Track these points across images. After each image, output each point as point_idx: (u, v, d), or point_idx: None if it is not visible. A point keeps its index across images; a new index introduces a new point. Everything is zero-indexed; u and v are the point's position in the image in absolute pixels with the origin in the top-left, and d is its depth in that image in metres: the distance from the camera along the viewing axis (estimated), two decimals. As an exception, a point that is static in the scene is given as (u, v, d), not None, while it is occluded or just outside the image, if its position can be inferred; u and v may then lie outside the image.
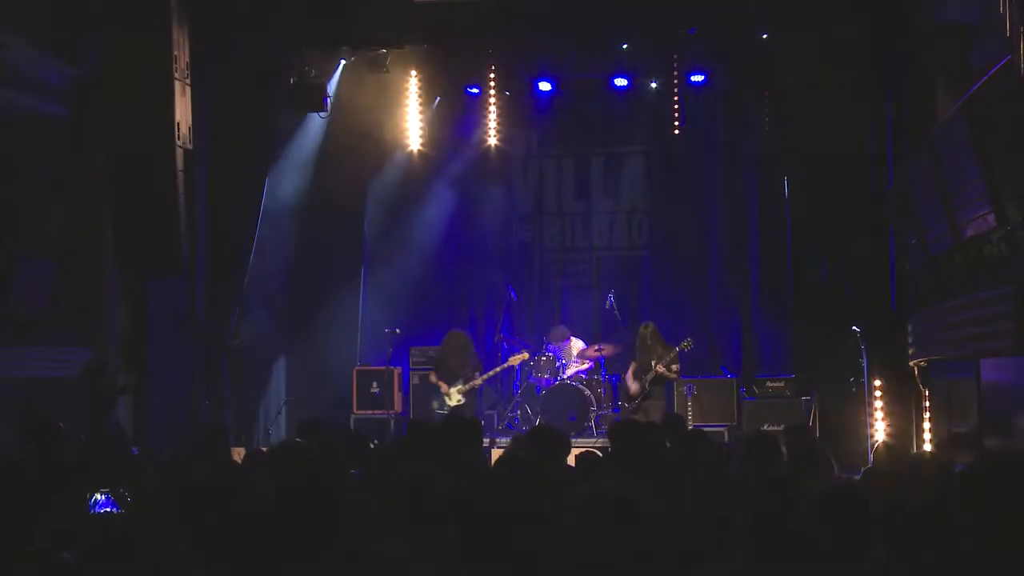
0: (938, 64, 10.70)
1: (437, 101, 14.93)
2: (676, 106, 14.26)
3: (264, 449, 7.15)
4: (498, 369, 13.11)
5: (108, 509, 5.69)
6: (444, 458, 6.05)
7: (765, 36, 13.15)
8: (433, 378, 12.87)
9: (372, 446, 7.20)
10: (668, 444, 7.05)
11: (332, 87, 13.98)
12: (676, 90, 14.22)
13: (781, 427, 11.21)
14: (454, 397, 12.58)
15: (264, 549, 4.03)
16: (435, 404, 12.67)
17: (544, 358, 13.47)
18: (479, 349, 14.59)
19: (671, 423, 8.82)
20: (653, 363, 12.43)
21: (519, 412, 13.48)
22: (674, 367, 12.59)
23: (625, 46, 13.53)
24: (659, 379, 12.54)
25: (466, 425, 6.89)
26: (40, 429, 6.65)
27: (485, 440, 11.41)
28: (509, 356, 13.41)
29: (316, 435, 7.11)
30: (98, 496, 5.87)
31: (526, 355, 13.28)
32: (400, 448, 7.12)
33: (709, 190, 14.64)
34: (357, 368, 13.99)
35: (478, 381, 12.80)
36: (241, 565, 4.03)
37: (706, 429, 11.24)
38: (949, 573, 3.93)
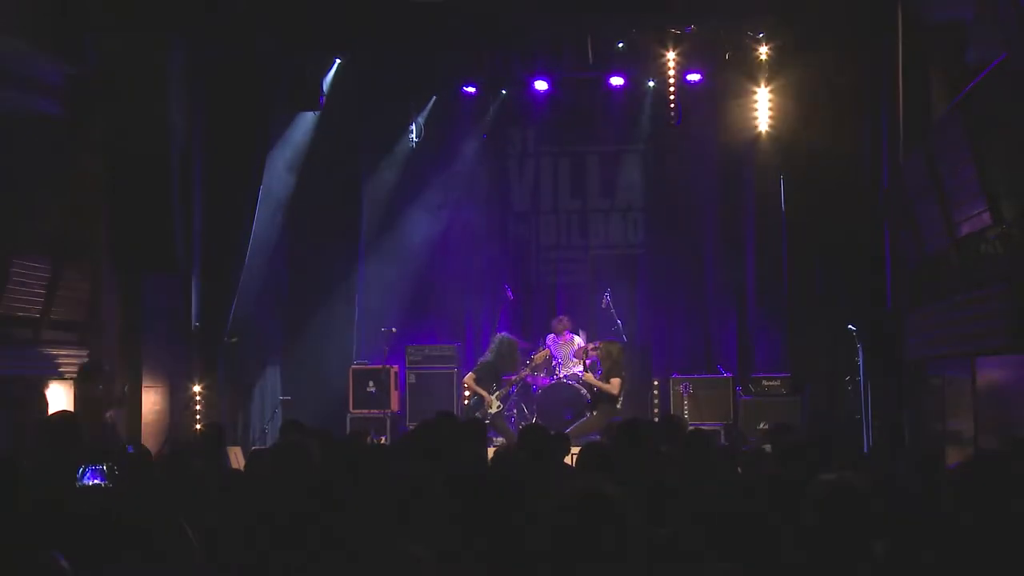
0: (933, 62, 10.73)
1: (433, 100, 14.95)
2: (672, 104, 14.26)
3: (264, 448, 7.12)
4: (524, 373, 12.94)
5: (96, 481, 5.69)
6: (445, 458, 6.07)
7: (761, 35, 13.18)
8: (473, 386, 12.57)
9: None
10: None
11: (327, 85, 13.99)
12: (672, 88, 14.23)
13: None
14: (494, 404, 12.43)
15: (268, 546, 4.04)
16: (478, 414, 12.20)
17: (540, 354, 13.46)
18: (473, 349, 14.58)
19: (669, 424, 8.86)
20: None
21: (515, 411, 13.47)
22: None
23: (621, 44, 13.54)
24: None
25: (471, 426, 6.91)
26: (62, 427, 6.60)
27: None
28: None
29: (302, 435, 7.12)
30: (86, 469, 5.86)
31: (547, 352, 13.20)
32: (401, 447, 7.13)
33: (705, 188, 14.62)
34: (353, 367, 13.97)
35: (510, 383, 12.67)
36: (241, 563, 4.05)
37: (703, 427, 11.24)
38: (945, 571, 3.94)
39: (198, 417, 12.12)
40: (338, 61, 13.91)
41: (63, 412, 7.39)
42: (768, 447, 7.69)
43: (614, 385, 12.30)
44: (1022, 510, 3.81)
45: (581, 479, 3.58)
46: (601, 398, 12.40)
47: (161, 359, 12.24)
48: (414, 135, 15.03)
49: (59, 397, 10.73)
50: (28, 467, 5.30)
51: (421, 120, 15.00)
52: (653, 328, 14.61)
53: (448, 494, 4.42)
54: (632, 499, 3.57)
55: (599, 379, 12.49)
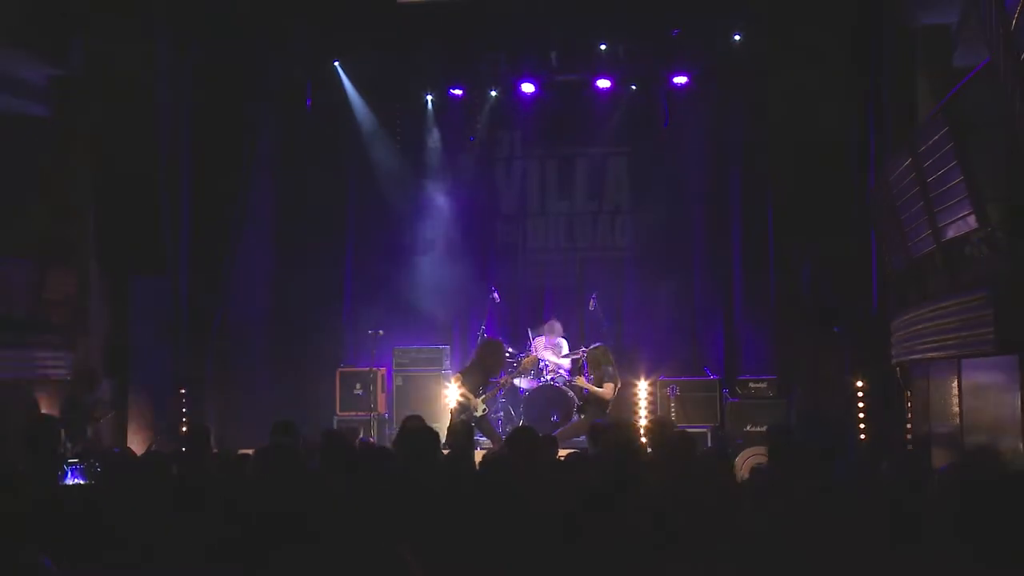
0: (920, 65, 10.77)
1: (426, 101, 14.95)
2: (659, 107, 14.29)
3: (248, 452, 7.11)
4: (510, 378, 12.89)
5: (77, 481, 5.69)
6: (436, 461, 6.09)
7: (747, 38, 13.22)
8: (460, 388, 11.94)
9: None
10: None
11: (315, 87, 13.96)
12: (659, 91, 14.25)
13: (763, 428, 11.30)
14: (479, 408, 12.32)
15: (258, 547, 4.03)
16: (464, 416, 11.65)
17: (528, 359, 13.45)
18: (460, 351, 14.54)
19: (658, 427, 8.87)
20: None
21: (502, 413, 13.45)
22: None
23: (603, 47, 13.57)
24: None
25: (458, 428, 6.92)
26: (44, 431, 6.58)
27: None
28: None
29: (292, 436, 7.13)
30: (67, 467, 5.85)
31: (535, 357, 13.17)
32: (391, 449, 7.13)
33: (692, 191, 14.63)
34: (340, 369, 13.93)
35: (497, 388, 12.62)
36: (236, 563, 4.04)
37: (690, 430, 11.24)
38: (935, 570, 3.96)
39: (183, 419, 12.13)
40: (326, 62, 13.90)
41: (42, 414, 7.39)
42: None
43: (607, 390, 12.22)
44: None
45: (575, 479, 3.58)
46: (591, 402, 12.33)
47: (149, 360, 12.21)
48: (401, 137, 15.01)
49: (45, 400, 10.70)
50: (14, 469, 5.29)
51: (409, 122, 14.98)
52: (640, 330, 14.59)
53: (437, 495, 4.44)
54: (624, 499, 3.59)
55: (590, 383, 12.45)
